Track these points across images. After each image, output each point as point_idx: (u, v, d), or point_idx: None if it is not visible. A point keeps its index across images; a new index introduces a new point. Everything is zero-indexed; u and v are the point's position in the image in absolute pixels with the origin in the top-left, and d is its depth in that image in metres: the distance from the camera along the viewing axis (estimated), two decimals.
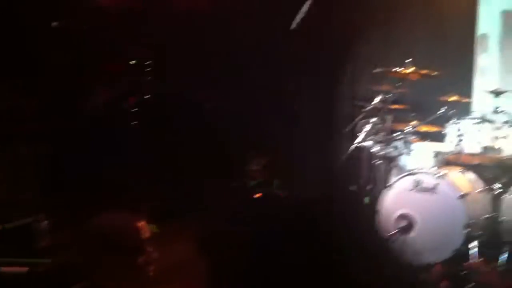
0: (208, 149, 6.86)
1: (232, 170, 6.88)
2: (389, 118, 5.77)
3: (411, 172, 5.22)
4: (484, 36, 6.72)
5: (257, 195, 6.20)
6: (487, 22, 6.71)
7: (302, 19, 4.09)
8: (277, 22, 4.48)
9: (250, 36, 6.47)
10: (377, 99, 5.95)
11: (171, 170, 6.60)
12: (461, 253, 4.91)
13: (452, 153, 5.35)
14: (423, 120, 5.82)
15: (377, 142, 5.82)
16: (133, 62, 6.64)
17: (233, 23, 6.52)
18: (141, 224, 2.37)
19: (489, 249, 5.01)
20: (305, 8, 4.18)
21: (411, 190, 5.13)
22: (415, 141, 5.77)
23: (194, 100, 6.93)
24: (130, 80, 6.68)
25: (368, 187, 6.19)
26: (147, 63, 6.56)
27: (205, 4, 6.75)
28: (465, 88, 6.32)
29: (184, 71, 6.75)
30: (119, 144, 6.40)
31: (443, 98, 5.64)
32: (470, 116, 5.44)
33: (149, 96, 6.69)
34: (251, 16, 6.47)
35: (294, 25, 4.15)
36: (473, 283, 4.58)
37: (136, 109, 6.61)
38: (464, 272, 4.73)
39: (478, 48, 6.68)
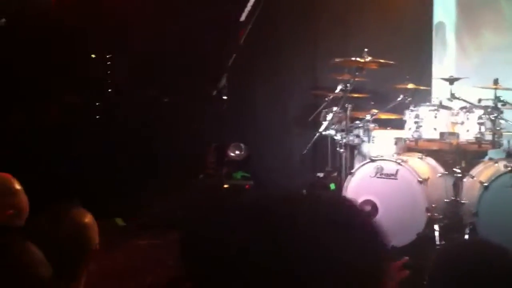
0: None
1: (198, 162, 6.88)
2: (349, 106, 5.87)
3: (372, 159, 5.35)
4: (441, 24, 6.87)
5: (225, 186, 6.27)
6: (443, 11, 6.86)
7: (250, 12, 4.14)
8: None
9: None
10: (338, 89, 6.06)
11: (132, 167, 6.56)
12: (425, 236, 5.05)
13: (411, 139, 5.48)
14: (382, 108, 5.96)
15: (339, 131, 5.93)
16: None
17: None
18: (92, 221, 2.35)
19: (451, 231, 5.18)
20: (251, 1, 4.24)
21: (373, 176, 5.25)
22: (375, 129, 5.91)
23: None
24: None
25: (333, 174, 6.32)
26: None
27: None
28: (423, 76, 6.46)
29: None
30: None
31: (400, 86, 5.78)
32: (427, 103, 5.58)
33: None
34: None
35: (243, 17, 4.20)
36: None
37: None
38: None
39: (435, 37, 6.83)
